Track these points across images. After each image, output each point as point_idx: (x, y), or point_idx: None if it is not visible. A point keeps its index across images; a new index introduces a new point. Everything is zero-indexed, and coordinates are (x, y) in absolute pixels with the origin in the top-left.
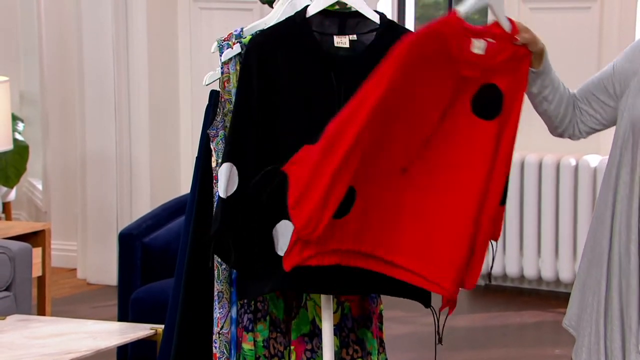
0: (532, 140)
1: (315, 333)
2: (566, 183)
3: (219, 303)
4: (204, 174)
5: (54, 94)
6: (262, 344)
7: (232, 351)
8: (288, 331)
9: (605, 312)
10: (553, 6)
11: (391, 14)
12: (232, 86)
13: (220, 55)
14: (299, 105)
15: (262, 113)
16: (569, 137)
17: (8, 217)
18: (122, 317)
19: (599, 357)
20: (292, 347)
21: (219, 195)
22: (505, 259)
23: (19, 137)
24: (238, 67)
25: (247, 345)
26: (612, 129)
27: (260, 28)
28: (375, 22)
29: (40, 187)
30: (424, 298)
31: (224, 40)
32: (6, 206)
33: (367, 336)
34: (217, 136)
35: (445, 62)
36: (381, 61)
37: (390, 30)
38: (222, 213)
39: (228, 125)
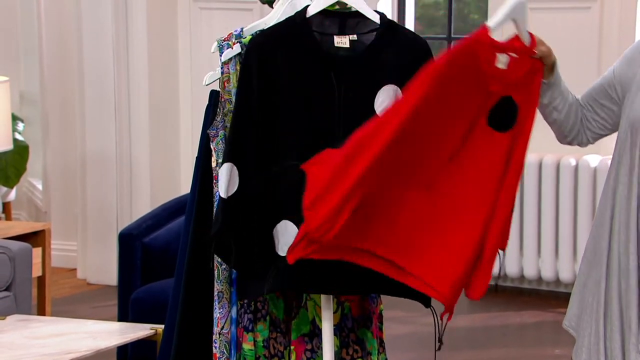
0: (532, 140)
1: (315, 333)
2: (566, 183)
3: (219, 303)
4: (204, 174)
5: (54, 94)
6: (262, 344)
7: (232, 351)
8: (288, 331)
9: (605, 312)
10: (553, 6)
11: (391, 14)
12: (232, 86)
13: (220, 55)
14: (299, 105)
15: (262, 113)
16: (578, 144)
17: (8, 217)
18: (122, 317)
19: (598, 357)
20: (292, 347)
21: (219, 196)
22: (505, 259)
23: (19, 137)
24: (238, 67)
25: (247, 345)
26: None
27: (260, 28)
28: (375, 22)
29: (40, 187)
30: (424, 298)
31: (224, 40)
32: (6, 206)
33: (367, 336)
34: (217, 136)
35: (475, 78)
36: (414, 76)
37: (390, 30)
38: (223, 213)
39: (228, 125)
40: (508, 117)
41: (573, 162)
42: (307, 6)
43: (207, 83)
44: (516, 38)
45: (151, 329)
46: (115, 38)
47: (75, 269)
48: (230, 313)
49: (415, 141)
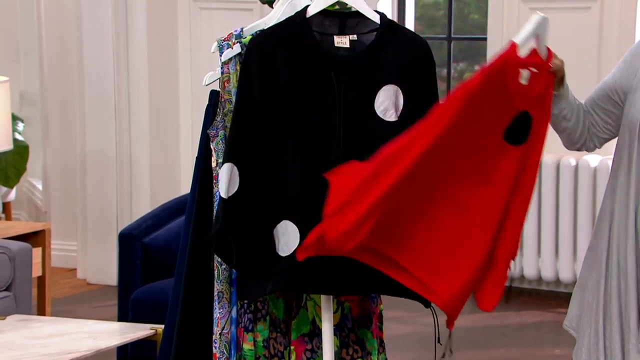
0: None
1: (315, 333)
2: (566, 183)
3: (219, 303)
4: (204, 174)
5: (54, 94)
6: (262, 344)
7: (232, 351)
8: (288, 331)
9: (605, 312)
10: (553, 6)
11: (391, 14)
12: (232, 86)
13: (220, 55)
14: (299, 105)
15: (262, 113)
16: (586, 150)
17: (8, 217)
18: (122, 317)
19: (598, 357)
20: (292, 347)
21: (220, 196)
22: None
23: (19, 137)
24: (238, 67)
25: (247, 345)
26: None
27: (260, 28)
28: (375, 22)
29: (40, 187)
30: (424, 298)
31: (224, 40)
32: (6, 206)
33: (367, 336)
34: (217, 136)
35: (502, 95)
36: (447, 96)
37: (390, 30)
38: (224, 213)
39: (228, 125)
40: (523, 131)
41: (573, 162)
42: (307, 6)
43: (207, 83)
44: (534, 52)
45: (151, 329)
46: (115, 38)
47: (75, 269)
48: (230, 313)
49: (443, 159)
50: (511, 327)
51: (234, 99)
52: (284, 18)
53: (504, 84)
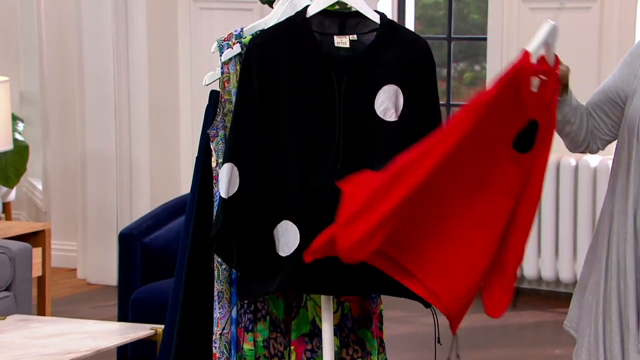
0: None
1: (315, 333)
2: (566, 183)
3: (219, 303)
4: (204, 174)
5: (54, 94)
6: (262, 344)
7: (232, 351)
8: (288, 331)
9: (604, 312)
10: (553, 6)
11: (391, 14)
12: (232, 86)
13: (220, 55)
14: (299, 105)
15: (262, 113)
16: (589, 152)
17: (8, 217)
18: (122, 317)
19: (598, 357)
20: (292, 347)
21: (220, 196)
22: None
23: (19, 137)
24: (238, 67)
25: (247, 345)
26: None
27: (260, 28)
28: (375, 22)
29: (40, 187)
30: (423, 298)
31: (224, 40)
32: (6, 206)
33: (367, 336)
34: (217, 136)
35: (516, 104)
36: (461, 107)
37: (390, 30)
38: (224, 213)
39: (228, 125)
40: (531, 139)
41: (573, 162)
42: (307, 6)
43: (207, 83)
44: (542, 60)
45: (151, 329)
46: (115, 38)
47: (75, 269)
48: (230, 313)
49: (456, 170)
50: (511, 327)
51: (234, 99)
52: (284, 18)
53: (518, 92)
